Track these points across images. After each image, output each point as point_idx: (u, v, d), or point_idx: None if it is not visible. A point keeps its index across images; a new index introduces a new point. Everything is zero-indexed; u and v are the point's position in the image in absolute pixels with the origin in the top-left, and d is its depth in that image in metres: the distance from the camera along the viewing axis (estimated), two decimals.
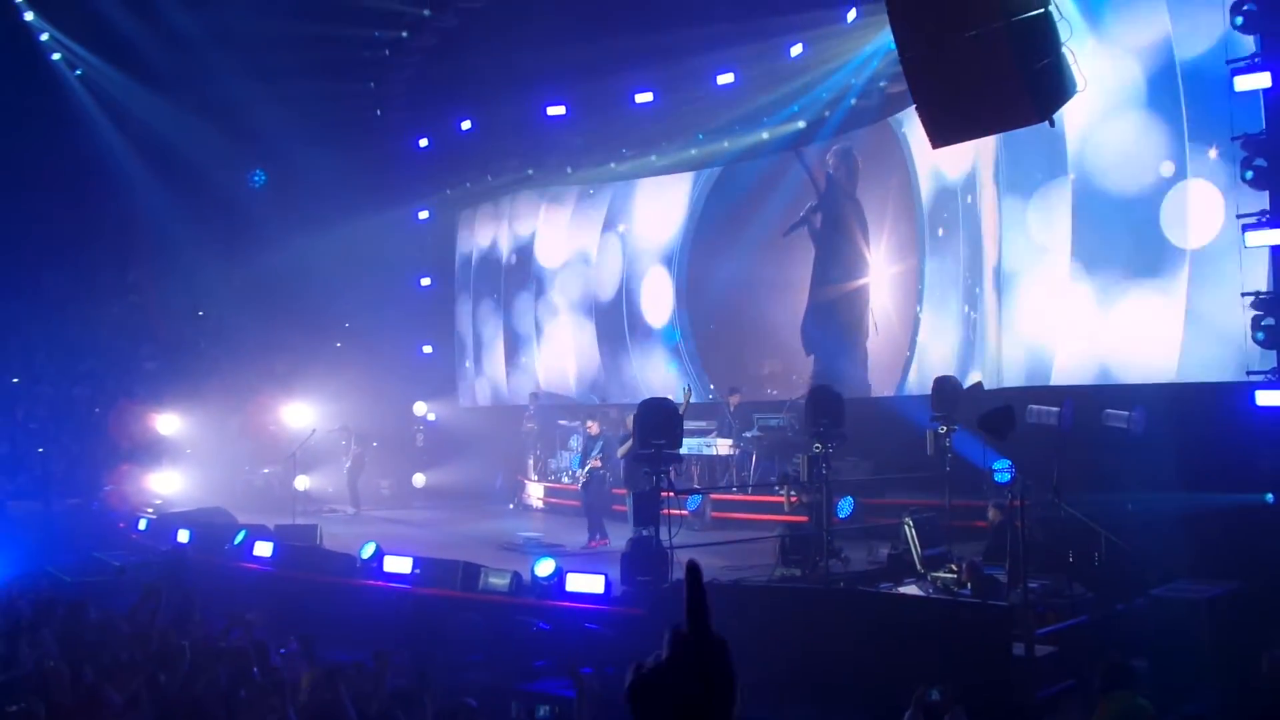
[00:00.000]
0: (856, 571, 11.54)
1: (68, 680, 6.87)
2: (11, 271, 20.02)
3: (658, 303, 20.74)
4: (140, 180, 20.51)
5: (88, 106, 20.55)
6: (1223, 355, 11.47)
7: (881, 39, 14.58)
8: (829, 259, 18.00)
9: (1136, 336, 12.37)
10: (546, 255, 22.64)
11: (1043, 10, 6.95)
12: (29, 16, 19.76)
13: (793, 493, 13.68)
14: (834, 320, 17.81)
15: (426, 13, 19.37)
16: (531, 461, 20.50)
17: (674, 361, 20.36)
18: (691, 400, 15.15)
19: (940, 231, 15.87)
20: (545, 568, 11.08)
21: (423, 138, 22.17)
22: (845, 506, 13.64)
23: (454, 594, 11.33)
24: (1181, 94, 11.85)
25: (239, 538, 14.17)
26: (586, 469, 15.93)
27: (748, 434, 16.44)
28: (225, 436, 21.41)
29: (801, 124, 17.84)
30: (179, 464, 20.07)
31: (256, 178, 21.59)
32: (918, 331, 16.45)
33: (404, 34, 19.99)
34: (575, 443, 18.66)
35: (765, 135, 18.41)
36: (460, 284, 24.69)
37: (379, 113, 22.06)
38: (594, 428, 16.50)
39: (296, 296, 21.96)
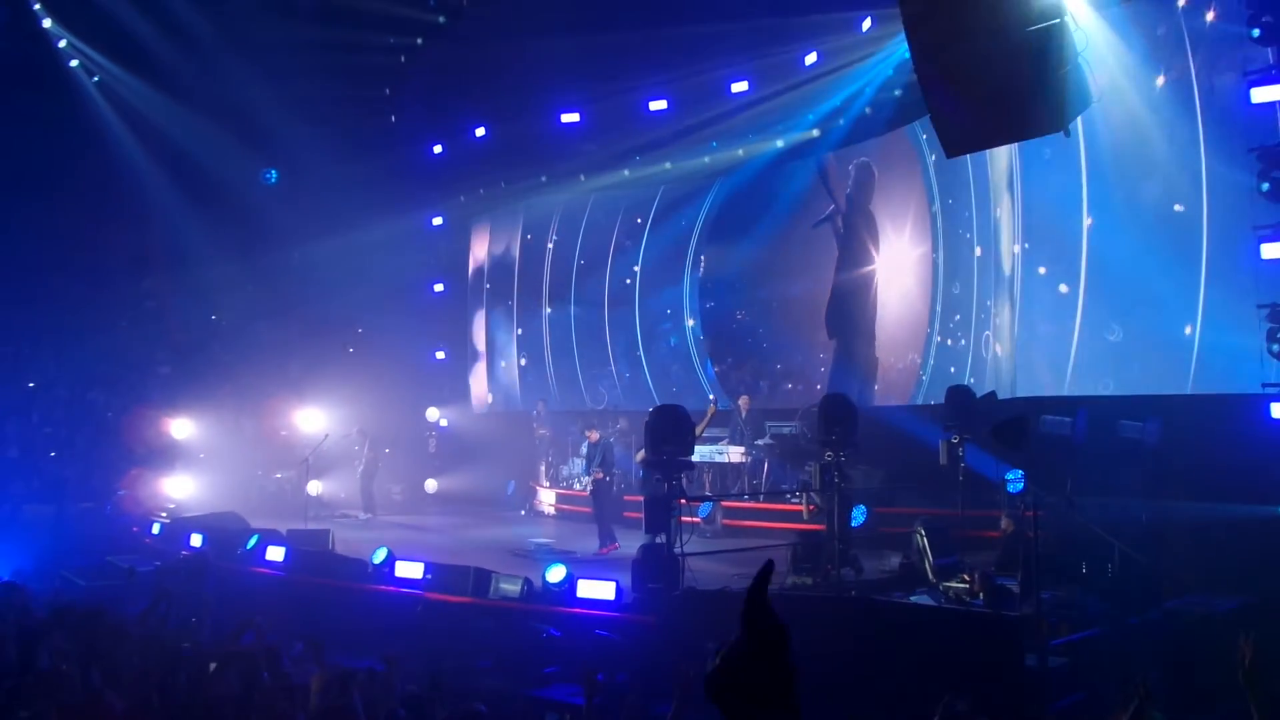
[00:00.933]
0: (868, 580, 11.49)
1: (79, 685, 6.88)
2: (27, 276, 20.08)
3: (671, 309, 20.75)
4: (156, 186, 20.60)
5: (105, 112, 20.64)
6: (1238, 367, 11.42)
7: (896, 48, 14.62)
8: (848, 254, 18.24)
9: (1151, 347, 12.31)
10: (560, 261, 22.67)
11: (1058, 20, 6.94)
12: (47, 23, 19.89)
13: (811, 501, 13.66)
14: (848, 305, 18.11)
15: (441, 19, 19.47)
16: (543, 467, 20.51)
17: (687, 368, 20.36)
18: (718, 408, 15.19)
19: (961, 241, 15.85)
20: (556, 574, 11.07)
21: (437, 144, 22.28)
22: (858, 515, 13.60)
23: (465, 599, 11.31)
24: (1198, 103, 11.82)
25: (251, 542, 14.16)
26: (590, 478, 15.90)
27: (760, 441, 16.41)
28: (239, 441, 21.45)
29: (816, 132, 17.93)
30: (192, 468, 20.08)
31: (268, 176, 21.65)
32: (931, 348, 16.41)
33: (419, 41, 20.09)
34: (586, 449, 18.68)
35: (780, 143, 18.47)
36: (474, 290, 24.74)
37: (394, 119, 22.15)
38: (593, 435, 16.45)
39: (310, 301, 22.03)
